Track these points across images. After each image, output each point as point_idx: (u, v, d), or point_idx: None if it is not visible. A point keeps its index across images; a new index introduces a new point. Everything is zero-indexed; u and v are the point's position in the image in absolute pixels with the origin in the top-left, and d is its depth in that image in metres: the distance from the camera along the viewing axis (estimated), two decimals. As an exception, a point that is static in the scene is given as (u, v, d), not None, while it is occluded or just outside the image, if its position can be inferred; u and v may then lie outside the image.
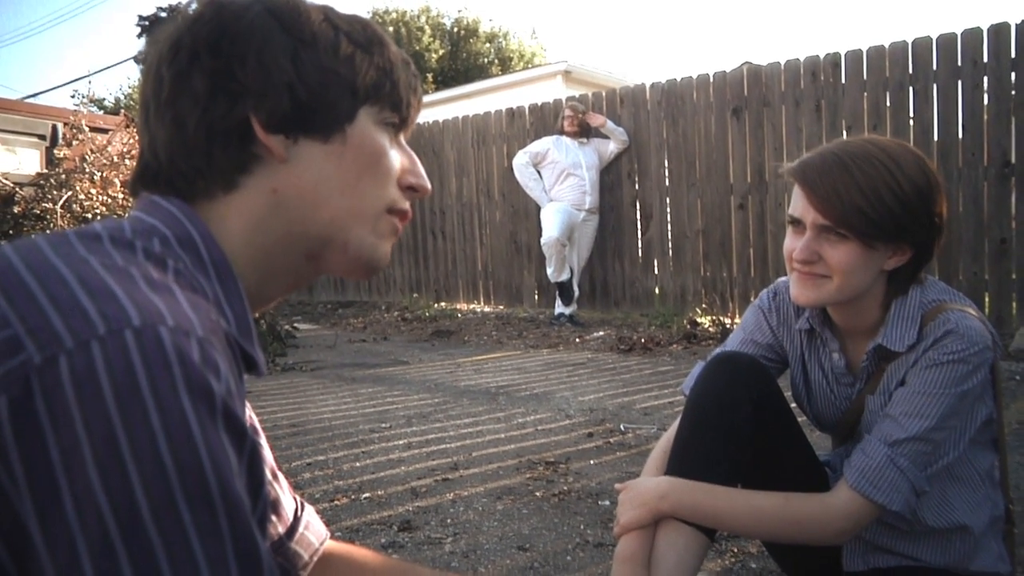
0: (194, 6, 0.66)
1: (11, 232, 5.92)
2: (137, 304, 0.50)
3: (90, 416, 0.45)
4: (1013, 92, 4.66)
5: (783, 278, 1.36)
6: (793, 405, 1.33)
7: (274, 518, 0.85)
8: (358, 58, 0.67)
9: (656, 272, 6.10)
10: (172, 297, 0.53)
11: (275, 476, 0.86)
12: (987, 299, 4.75)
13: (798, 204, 1.17)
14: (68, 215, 5.91)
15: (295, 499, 0.90)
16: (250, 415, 0.73)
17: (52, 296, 0.49)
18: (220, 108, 0.63)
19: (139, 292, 0.51)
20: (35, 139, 7.06)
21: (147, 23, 0.68)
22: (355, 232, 0.68)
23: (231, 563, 0.46)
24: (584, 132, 6.01)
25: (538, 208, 6.17)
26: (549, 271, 5.97)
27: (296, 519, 0.88)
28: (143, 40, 0.69)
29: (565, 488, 2.33)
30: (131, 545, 0.44)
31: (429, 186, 0.76)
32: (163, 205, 0.63)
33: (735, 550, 1.84)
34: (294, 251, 0.68)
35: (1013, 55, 4.64)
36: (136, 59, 0.68)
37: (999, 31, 4.66)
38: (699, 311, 5.74)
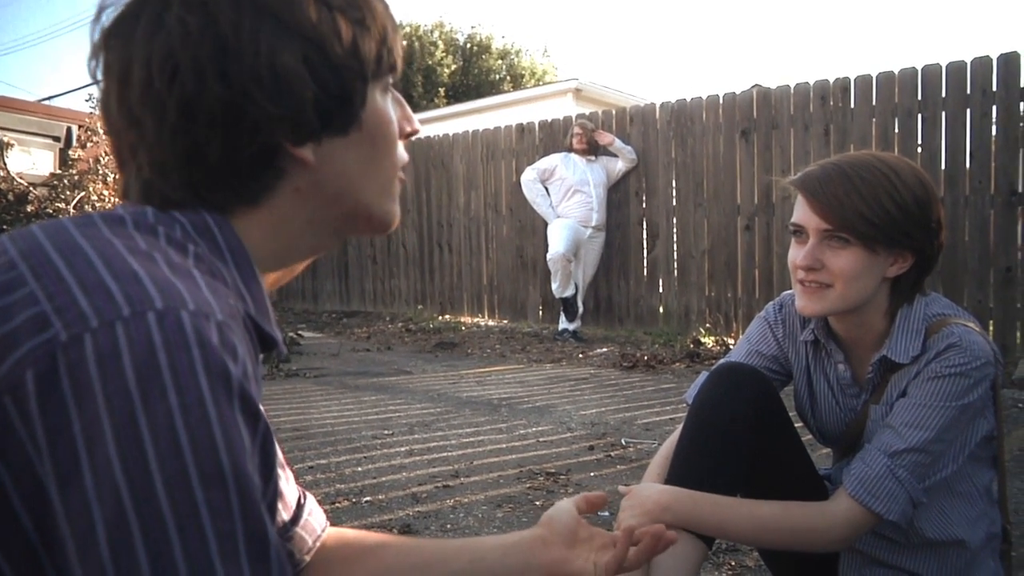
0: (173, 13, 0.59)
1: (23, 231, 5.98)
2: (160, 287, 0.51)
3: (112, 393, 0.46)
4: (1021, 122, 4.68)
5: (789, 291, 1.38)
6: (799, 424, 1.34)
7: (279, 505, 0.86)
8: (359, 39, 0.64)
9: (661, 291, 6.11)
10: (193, 281, 0.54)
11: (280, 466, 0.87)
12: (991, 327, 4.74)
13: (800, 212, 1.20)
14: (72, 217, 5.97)
15: (297, 489, 0.92)
16: None
17: (79, 276, 0.51)
18: (244, 135, 0.60)
19: (162, 275, 0.52)
20: (50, 140, 7.14)
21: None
22: (376, 202, 0.70)
23: (239, 540, 0.47)
24: (593, 150, 6.04)
25: (545, 224, 6.19)
26: (554, 287, 5.98)
27: (300, 506, 0.90)
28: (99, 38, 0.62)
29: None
30: (144, 517, 0.45)
31: (420, 125, 0.75)
32: None
33: (732, 563, 1.85)
34: (317, 233, 0.69)
35: (1022, 85, 4.66)
36: (95, 70, 0.63)
37: (1009, 60, 4.69)
38: (703, 331, 5.74)
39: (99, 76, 0.63)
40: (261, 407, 0.54)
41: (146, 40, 0.59)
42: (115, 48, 0.61)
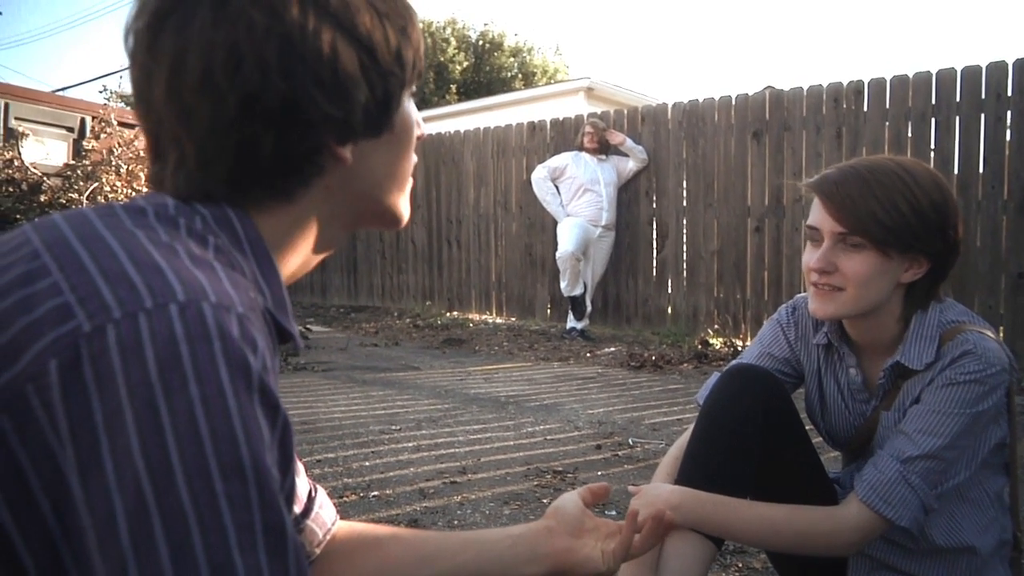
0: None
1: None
2: (182, 279, 0.51)
3: (133, 383, 0.47)
4: (1036, 127, 4.65)
5: (802, 294, 1.38)
6: (809, 427, 1.34)
7: None
8: (402, 46, 0.66)
9: (669, 291, 6.11)
10: (214, 273, 0.54)
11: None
12: (1002, 333, 4.71)
13: (816, 214, 1.20)
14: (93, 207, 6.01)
15: (309, 482, 0.92)
16: None
17: (102, 268, 0.51)
18: (298, 133, 0.61)
19: (183, 267, 0.53)
20: (63, 131, 7.18)
21: None
22: (393, 201, 0.72)
23: (258, 532, 0.47)
24: (604, 149, 6.04)
25: (554, 222, 6.19)
26: (563, 285, 5.98)
27: (311, 499, 0.90)
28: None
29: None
30: (164, 507, 0.45)
31: (425, 128, 0.77)
32: None
33: (739, 565, 1.85)
34: (334, 228, 0.70)
35: (1037, 90, 4.63)
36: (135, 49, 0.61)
37: (1024, 66, 4.66)
38: (711, 331, 5.73)
39: (140, 58, 0.61)
40: (280, 400, 0.54)
41: (206, 29, 0.58)
42: (166, 33, 0.60)
